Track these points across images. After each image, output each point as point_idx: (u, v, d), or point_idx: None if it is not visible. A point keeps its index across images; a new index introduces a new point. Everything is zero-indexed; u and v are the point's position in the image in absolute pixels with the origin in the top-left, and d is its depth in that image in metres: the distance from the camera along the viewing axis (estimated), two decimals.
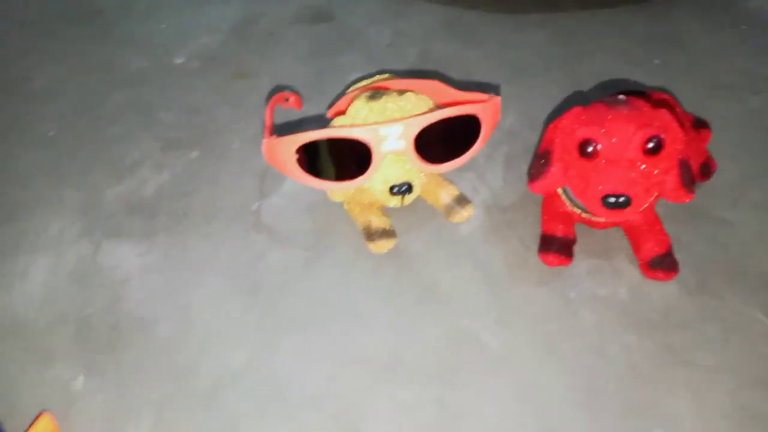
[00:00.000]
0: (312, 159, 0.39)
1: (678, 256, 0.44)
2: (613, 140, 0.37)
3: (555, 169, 0.41)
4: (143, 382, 0.40)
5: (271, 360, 0.40)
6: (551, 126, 0.41)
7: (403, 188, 0.39)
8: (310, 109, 0.60)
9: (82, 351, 0.42)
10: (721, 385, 0.37)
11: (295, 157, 0.38)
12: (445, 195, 0.48)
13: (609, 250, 0.45)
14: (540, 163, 0.42)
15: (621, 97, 0.38)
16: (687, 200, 0.39)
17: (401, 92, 0.41)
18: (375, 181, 0.40)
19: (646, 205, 0.41)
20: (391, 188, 0.39)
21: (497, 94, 0.42)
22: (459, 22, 0.71)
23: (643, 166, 0.37)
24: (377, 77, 0.50)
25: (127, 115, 0.62)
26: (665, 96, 0.46)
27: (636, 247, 0.44)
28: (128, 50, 0.71)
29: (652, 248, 0.43)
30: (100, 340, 0.43)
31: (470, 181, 0.52)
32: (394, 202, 0.40)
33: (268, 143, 0.39)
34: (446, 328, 0.42)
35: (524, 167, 0.53)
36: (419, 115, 0.38)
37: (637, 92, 0.46)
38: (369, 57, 0.67)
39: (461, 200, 0.48)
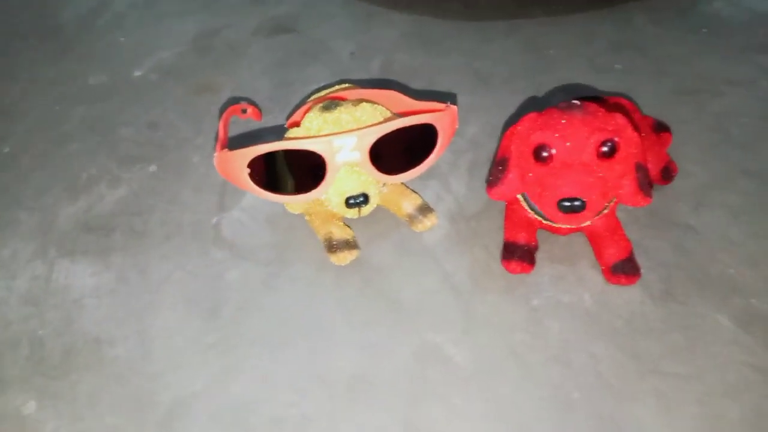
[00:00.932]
0: (266, 172, 0.38)
1: (642, 261, 0.44)
2: (568, 144, 0.36)
3: (512, 175, 0.40)
4: (98, 408, 0.38)
5: (231, 384, 0.39)
6: (507, 132, 0.41)
7: (359, 200, 0.38)
8: (271, 122, 0.59)
9: (34, 375, 0.41)
10: (689, 394, 0.37)
11: (248, 171, 0.37)
12: (408, 204, 0.47)
13: (572, 257, 0.45)
14: (498, 169, 0.41)
15: (576, 102, 0.38)
16: (644, 204, 0.39)
17: (356, 102, 0.41)
18: (331, 193, 0.39)
19: (605, 211, 0.41)
20: (347, 200, 0.38)
21: (454, 103, 0.41)
22: (424, 32, 0.71)
23: (599, 169, 0.37)
24: (336, 87, 0.50)
25: (85, 131, 0.60)
26: (623, 101, 0.46)
27: (598, 253, 0.43)
28: (87, 65, 0.70)
29: (613, 254, 0.42)
30: (54, 363, 0.41)
31: (434, 189, 0.51)
32: (351, 213, 0.39)
33: (220, 157, 0.38)
34: (412, 344, 0.41)
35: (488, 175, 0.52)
36: (374, 125, 0.37)
37: (595, 98, 0.46)
38: (332, 69, 0.66)
39: (424, 209, 0.47)
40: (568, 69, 0.64)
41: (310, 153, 0.36)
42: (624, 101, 0.46)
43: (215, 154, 0.38)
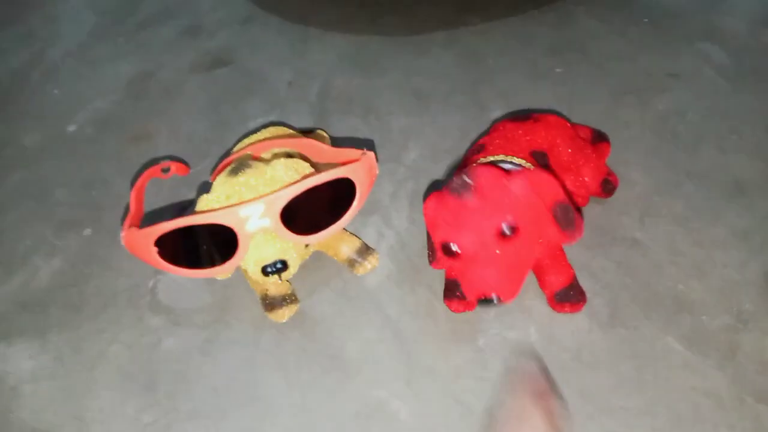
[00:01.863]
0: (176, 248, 0.36)
1: (588, 285, 0.42)
2: (469, 239, 0.35)
3: (441, 258, 0.39)
4: None
5: None
6: (423, 208, 0.39)
7: (277, 267, 0.37)
8: (208, 167, 0.57)
9: None
10: (639, 430, 0.35)
11: (156, 249, 0.35)
12: (346, 248, 0.46)
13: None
14: (430, 245, 0.41)
15: (467, 180, 0.36)
16: (575, 241, 0.38)
17: (270, 159, 0.39)
18: (247, 262, 0.37)
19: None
20: (263, 269, 0.37)
21: (372, 148, 0.40)
22: (361, 52, 0.69)
23: (507, 250, 0.36)
24: (262, 132, 0.48)
25: (20, 199, 0.58)
26: (553, 118, 0.44)
27: (541, 282, 0.42)
28: (21, 125, 0.68)
29: (556, 281, 0.41)
30: None
31: (375, 226, 0.50)
32: (272, 280, 0.38)
33: (127, 237, 0.36)
34: (356, 402, 0.39)
35: None
36: (284, 187, 0.35)
37: (523, 116, 0.44)
38: (270, 100, 0.64)
39: (364, 251, 0.46)
40: (508, 78, 0.62)
41: (217, 226, 0.34)
42: (554, 117, 0.45)
43: (122, 234, 0.36)
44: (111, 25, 0.83)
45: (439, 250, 0.38)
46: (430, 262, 0.41)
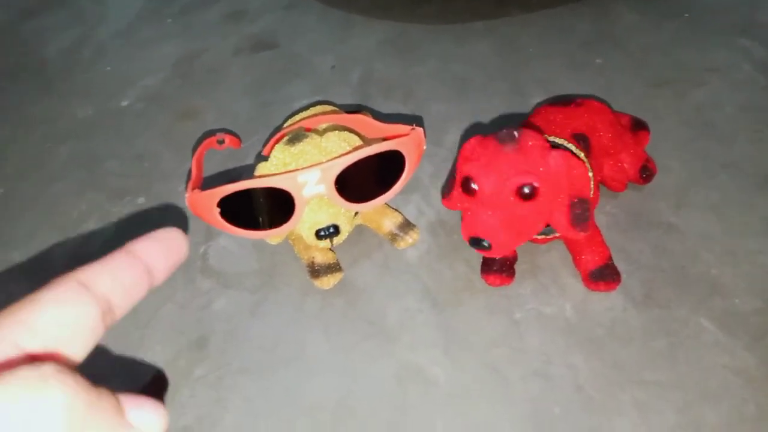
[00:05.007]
0: (236, 210, 0.38)
1: (623, 266, 0.44)
2: (490, 182, 0.37)
3: (456, 194, 0.41)
4: None
5: (218, 418, 0.40)
6: (461, 149, 0.41)
7: (329, 231, 0.39)
8: (255, 144, 0.60)
9: None
10: (669, 403, 0.37)
11: (218, 210, 0.37)
12: (389, 223, 0.48)
13: (554, 266, 0.45)
14: (448, 182, 0.43)
15: (515, 133, 0.37)
16: (579, 237, 0.40)
17: (323, 132, 0.41)
18: (302, 226, 0.39)
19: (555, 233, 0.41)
20: (317, 232, 0.39)
21: (421, 125, 0.42)
22: (402, 38, 0.71)
23: (518, 209, 0.37)
24: (310, 111, 0.50)
25: (73, 168, 0.61)
26: (594, 103, 0.46)
27: (577, 260, 0.43)
28: (73, 99, 0.71)
29: (591, 260, 0.43)
30: None
31: (415, 203, 0.51)
32: (323, 245, 0.40)
33: (191, 197, 0.38)
34: (395, 366, 0.41)
35: None
36: (338, 157, 0.37)
37: (565, 101, 0.46)
38: (313, 84, 0.66)
39: (406, 226, 0.48)
40: (547, 67, 0.63)
41: (277, 190, 0.37)
42: (595, 103, 0.46)
43: (186, 195, 0.39)
44: (157, 8, 0.86)
45: (458, 185, 0.39)
46: (443, 197, 0.43)
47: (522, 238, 0.39)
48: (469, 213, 0.38)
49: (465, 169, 0.38)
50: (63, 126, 0.67)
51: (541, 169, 0.36)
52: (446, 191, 0.43)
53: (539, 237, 0.43)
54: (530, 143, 0.37)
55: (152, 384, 0.42)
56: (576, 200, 0.38)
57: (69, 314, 0.14)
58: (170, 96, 0.69)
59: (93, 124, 0.67)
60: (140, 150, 0.62)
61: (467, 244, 0.39)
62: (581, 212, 0.38)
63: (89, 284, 0.15)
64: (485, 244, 0.37)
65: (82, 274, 0.15)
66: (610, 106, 0.48)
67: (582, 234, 0.39)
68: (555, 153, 0.37)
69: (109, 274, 0.15)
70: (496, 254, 0.38)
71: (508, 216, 0.37)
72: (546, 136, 0.41)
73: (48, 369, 0.12)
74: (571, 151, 0.40)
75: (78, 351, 0.14)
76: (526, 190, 0.36)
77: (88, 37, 0.81)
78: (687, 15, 0.67)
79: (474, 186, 0.37)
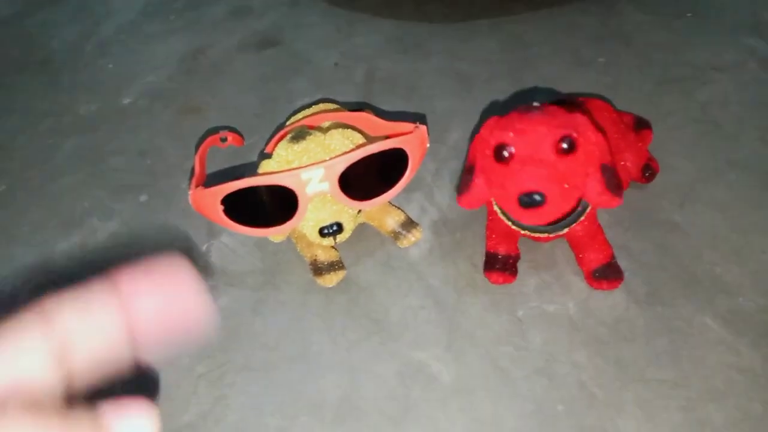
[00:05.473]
0: (240, 207, 0.38)
1: (626, 264, 0.44)
2: (526, 142, 0.36)
3: (479, 182, 0.40)
4: None
5: (221, 415, 0.40)
6: (474, 139, 0.41)
7: (333, 229, 0.39)
8: (258, 141, 0.59)
9: None
10: (673, 401, 0.37)
11: (221, 208, 0.37)
12: (391, 221, 0.47)
13: (556, 264, 0.45)
14: (465, 177, 0.41)
15: (535, 104, 0.38)
16: (615, 205, 0.38)
17: (326, 130, 0.41)
18: (305, 224, 0.39)
19: (581, 218, 0.41)
20: (320, 230, 0.39)
21: (424, 122, 0.42)
22: (406, 36, 0.71)
23: (559, 166, 0.36)
24: (313, 108, 0.50)
25: (77, 163, 0.61)
26: (597, 102, 0.45)
27: (579, 259, 0.43)
28: (77, 95, 0.71)
29: (594, 259, 0.42)
30: None
31: (418, 202, 0.51)
32: (327, 242, 0.40)
33: (194, 195, 0.38)
34: (398, 363, 0.41)
35: None
36: (341, 154, 0.37)
37: (568, 100, 0.46)
38: (316, 81, 0.66)
39: (408, 224, 0.48)
40: (551, 65, 0.63)
41: (280, 187, 0.37)
42: (598, 102, 0.46)
43: (189, 192, 0.39)
44: (161, 4, 0.86)
45: (484, 161, 0.38)
46: (460, 195, 0.41)
47: (570, 197, 0.37)
48: (512, 175, 0.36)
49: (494, 139, 0.37)
50: (67, 121, 0.67)
51: (572, 122, 0.36)
52: (464, 186, 0.41)
53: (542, 235, 0.43)
54: (552, 107, 0.37)
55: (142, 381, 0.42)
56: (604, 165, 0.38)
57: (25, 357, 0.13)
58: (174, 92, 0.68)
59: (97, 119, 0.67)
60: (144, 146, 0.62)
61: (519, 202, 0.36)
62: (611, 177, 0.38)
63: (51, 322, 0.13)
64: (537, 198, 0.35)
65: (48, 310, 0.13)
66: (613, 105, 0.47)
67: (616, 201, 0.38)
68: (577, 113, 0.37)
69: (78, 313, 0.14)
70: (548, 212, 0.35)
71: (555, 169, 0.36)
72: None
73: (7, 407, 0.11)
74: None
75: (46, 382, 0.13)
76: (566, 144, 0.36)
77: (93, 32, 0.81)
78: (690, 15, 0.67)
79: (509, 151, 0.36)
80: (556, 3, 0.71)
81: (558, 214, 0.38)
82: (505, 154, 0.37)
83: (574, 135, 0.36)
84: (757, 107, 0.55)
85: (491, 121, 0.39)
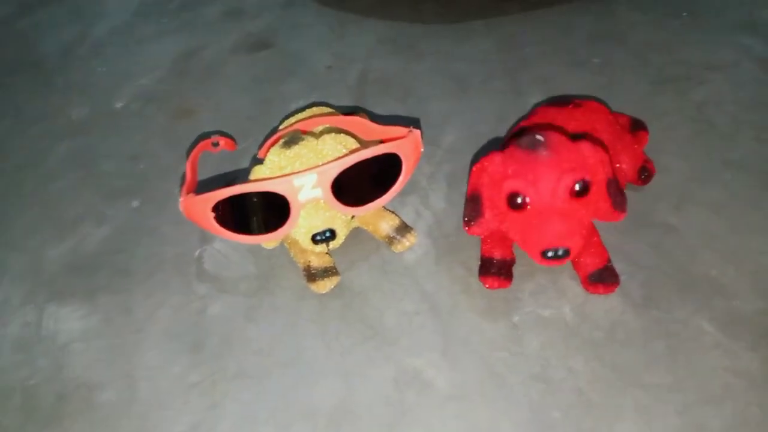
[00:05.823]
0: (231, 214, 0.38)
1: (622, 267, 0.43)
2: (540, 191, 0.36)
3: (488, 216, 0.40)
4: None
5: (214, 424, 0.39)
6: (475, 168, 0.40)
7: (325, 236, 0.38)
8: (251, 145, 0.59)
9: (26, 424, 0.41)
10: (670, 406, 0.36)
11: (213, 215, 0.37)
12: (386, 225, 0.47)
13: (552, 269, 0.44)
14: (472, 207, 0.41)
15: (539, 138, 0.37)
16: (620, 219, 0.39)
17: (318, 135, 0.40)
18: (297, 230, 0.39)
19: None
20: (313, 237, 0.38)
21: (418, 126, 0.41)
22: (400, 37, 0.70)
23: (574, 209, 0.37)
24: (307, 112, 0.50)
25: (69, 168, 0.61)
26: (593, 104, 0.45)
27: (575, 263, 0.43)
28: (69, 98, 0.70)
29: (590, 263, 0.42)
30: (45, 412, 0.42)
31: (413, 206, 0.51)
32: (320, 249, 0.39)
33: (185, 203, 0.38)
34: (393, 370, 0.41)
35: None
36: (334, 160, 0.37)
37: (563, 101, 0.45)
38: (310, 83, 0.66)
39: (402, 229, 0.47)
40: (546, 66, 0.63)
41: (272, 194, 0.36)
42: (594, 104, 0.46)
43: (180, 200, 0.38)
44: (155, 5, 0.86)
45: (499, 203, 0.38)
46: (470, 226, 0.41)
47: (585, 237, 0.38)
48: (530, 227, 0.37)
49: (506, 187, 0.37)
50: (60, 124, 0.67)
51: (581, 162, 0.36)
52: (473, 217, 0.41)
53: None
54: (557, 140, 0.36)
55: None
56: (609, 181, 0.38)
57: None
58: (167, 95, 0.68)
59: (88, 123, 0.66)
60: (136, 150, 0.61)
61: (543, 256, 0.37)
62: (617, 192, 0.38)
63: None
64: (560, 252, 0.36)
65: None
66: (608, 106, 0.47)
67: (621, 216, 0.39)
68: (582, 144, 0.37)
69: None
70: (570, 258, 0.37)
71: (572, 217, 0.36)
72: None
73: None
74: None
75: None
76: (580, 187, 0.36)
77: (86, 34, 0.81)
78: (686, 15, 0.67)
79: (523, 199, 0.36)
80: (550, 3, 0.71)
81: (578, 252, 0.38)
82: (519, 201, 0.37)
83: (587, 178, 0.36)
84: (753, 107, 0.55)
85: (496, 160, 0.38)
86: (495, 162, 0.38)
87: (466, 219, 0.42)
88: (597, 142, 0.41)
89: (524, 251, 0.39)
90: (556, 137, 0.37)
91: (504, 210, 0.38)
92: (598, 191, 0.37)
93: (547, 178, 0.36)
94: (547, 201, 0.36)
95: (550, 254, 0.36)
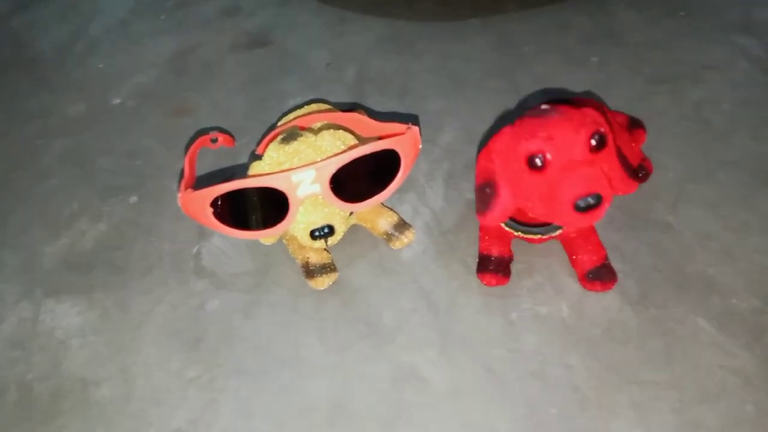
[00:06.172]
0: (230, 210, 0.38)
1: (619, 265, 0.43)
2: (560, 147, 0.35)
3: (503, 196, 0.39)
4: None
5: (211, 420, 0.39)
6: (483, 153, 0.40)
7: (324, 231, 0.38)
8: (249, 142, 0.59)
9: (22, 421, 0.41)
10: (666, 403, 0.37)
11: (211, 210, 0.37)
12: (384, 222, 0.47)
13: (550, 266, 0.45)
14: (485, 194, 0.40)
15: (544, 106, 0.37)
16: (634, 190, 0.39)
17: (317, 131, 0.40)
18: (296, 226, 0.39)
19: None
20: (311, 233, 0.38)
21: (416, 123, 0.41)
22: (398, 35, 0.70)
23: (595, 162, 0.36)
24: (305, 109, 0.49)
25: (65, 165, 0.61)
26: (591, 101, 0.45)
27: (573, 260, 0.43)
28: (66, 95, 0.70)
29: (588, 260, 0.42)
30: (41, 408, 0.42)
31: (411, 203, 0.51)
32: (318, 245, 0.39)
33: (183, 198, 0.38)
34: (390, 366, 0.41)
35: (465, 184, 0.52)
36: (333, 156, 0.37)
37: (562, 100, 0.45)
38: (307, 81, 0.66)
39: (401, 226, 0.47)
40: (543, 64, 0.63)
41: (270, 189, 0.36)
42: (591, 102, 0.46)
43: (179, 195, 0.38)
44: (151, 3, 0.85)
45: (511, 172, 0.37)
46: (484, 212, 0.40)
47: (611, 191, 0.36)
48: (555, 181, 0.35)
49: (525, 149, 0.36)
50: (55, 122, 0.66)
51: (591, 119, 0.36)
52: (486, 202, 0.40)
53: (536, 237, 0.43)
54: (563, 107, 0.36)
55: None
56: (618, 149, 0.38)
57: None
58: (164, 92, 0.68)
59: (86, 120, 0.66)
60: (133, 147, 0.61)
61: (575, 208, 0.34)
62: (626, 162, 0.38)
63: None
64: (593, 201, 0.34)
65: None
66: (606, 105, 0.47)
67: (634, 185, 0.39)
68: (586, 108, 0.37)
69: None
70: (602, 211, 0.35)
71: (598, 169, 0.35)
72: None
73: None
74: None
75: None
76: (597, 140, 0.35)
77: (82, 32, 0.80)
78: (683, 14, 0.67)
79: (543, 158, 0.35)
80: (547, 2, 0.71)
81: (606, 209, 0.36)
82: (539, 162, 0.36)
83: (602, 129, 0.36)
84: (749, 106, 0.55)
85: (507, 132, 0.38)
86: (505, 134, 0.38)
87: (479, 208, 0.40)
88: (599, 107, 0.41)
89: (553, 218, 0.38)
90: (562, 106, 0.37)
91: (523, 178, 0.37)
92: (612, 152, 0.37)
93: (564, 133, 0.35)
94: (568, 155, 0.35)
95: (582, 204, 0.34)
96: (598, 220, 0.36)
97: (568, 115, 0.36)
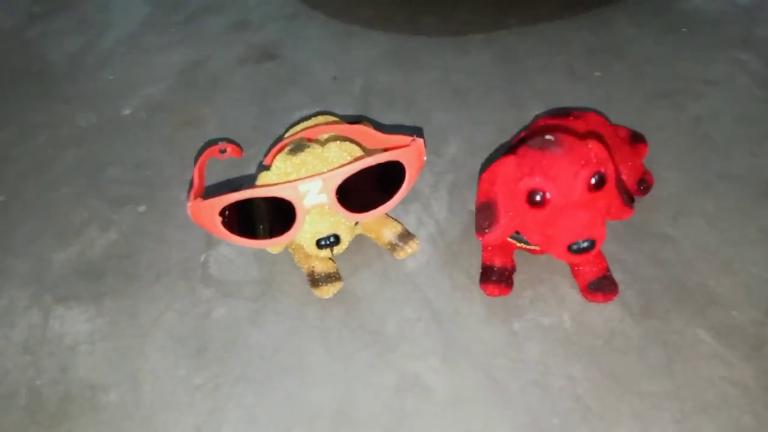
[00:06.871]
0: (238, 219, 0.39)
1: (620, 277, 0.44)
2: (560, 186, 0.36)
3: (503, 221, 0.40)
4: None
5: (217, 426, 0.40)
6: (485, 176, 0.41)
7: (330, 241, 0.39)
8: (257, 153, 0.60)
9: (30, 425, 0.42)
10: (667, 413, 0.37)
11: (220, 219, 0.38)
12: (389, 232, 0.48)
13: (552, 277, 0.45)
14: (486, 215, 0.41)
15: (549, 138, 0.38)
16: (630, 216, 0.40)
17: (324, 142, 0.41)
18: (302, 235, 0.40)
19: None
20: (318, 242, 0.39)
21: (421, 135, 0.42)
22: (402, 49, 0.72)
23: (592, 202, 0.37)
24: (312, 121, 0.50)
25: (75, 174, 0.62)
26: (592, 115, 0.46)
27: (575, 271, 0.44)
28: (76, 106, 0.71)
29: (589, 271, 0.43)
30: (50, 413, 0.42)
31: (416, 214, 0.52)
32: (324, 254, 0.40)
33: (192, 207, 0.39)
34: (393, 375, 0.41)
35: (469, 196, 0.53)
36: (339, 167, 0.38)
37: (563, 113, 0.46)
38: (314, 94, 0.67)
39: (405, 236, 0.48)
40: (546, 79, 0.64)
41: (278, 199, 0.37)
42: (593, 115, 0.47)
43: (188, 204, 0.39)
44: (162, 16, 0.87)
45: (520, 202, 0.38)
46: (485, 233, 0.41)
47: (605, 230, 0.38)
48: (552, 222, 0.37)
49: (526, 185, 0.37)
50: (66, 133, 0.67)
51: (593, 156, 0.37)
52: (487, 223, 0.41)
53: (538, 248, 0.43)
54: (567, 139, 0.37)
55: None
56: (617, 180, 0.39)
57: None
58: (174, 104, 0.69)
59: (96, 131, 0.67)
60: (143, 158, 0.62)
61: (569, 250, 0.37)
62: (623, 189, 0.39)
63: None
64: (585, 245, 0.36)
65: None
66: (608, 119, 0.48)
67: (629, 212, 0.40)
68: (590, 141, 0.38)
69: None
70: (595, 251, 0.37)
71: (594, 208, 0.37)
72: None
73: None
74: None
75: None
76: (596, 180, 0.36)
77: (93, 44, 0.82)
78: (684, 30, 0.68)
79: (543, 196, 0.37)
80: (549, 17, 0.72)
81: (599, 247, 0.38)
82: (539, 199, 0.37)
83: (603, 170, 0.37)
84: (748, 121, 0.56)
85: (510, 162, 0.39)
86: (509, 164, 0.39)
87: (480, 227, 0.42)
88: (602, 140, 0.41)
89: (550, 253, 0.39)
90: (565, 136, 0.38)
91: (522, 210, 0.38)
92: (610, 187, 0.38)
93: (564, 173, 0.36)
94: (567, 195, 0.36)
95: (575, 247, 0.36)
96: (591, 258, 0.39)
97: (571, 150, 0.37)
